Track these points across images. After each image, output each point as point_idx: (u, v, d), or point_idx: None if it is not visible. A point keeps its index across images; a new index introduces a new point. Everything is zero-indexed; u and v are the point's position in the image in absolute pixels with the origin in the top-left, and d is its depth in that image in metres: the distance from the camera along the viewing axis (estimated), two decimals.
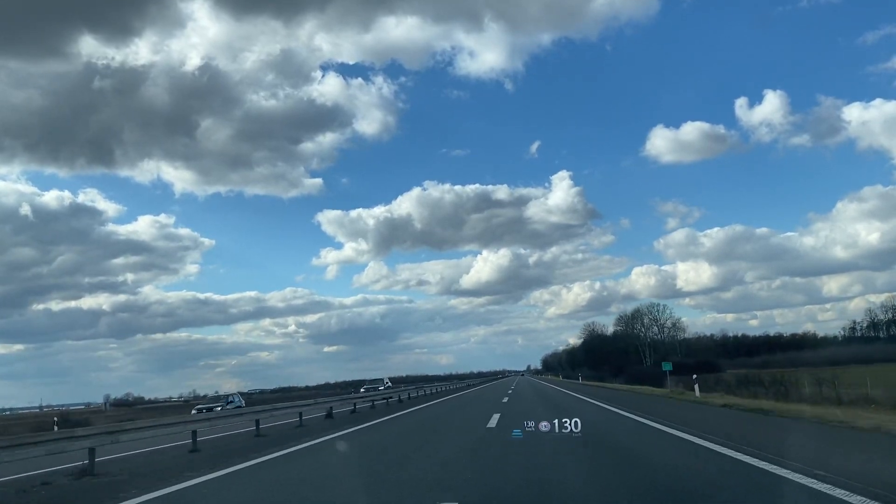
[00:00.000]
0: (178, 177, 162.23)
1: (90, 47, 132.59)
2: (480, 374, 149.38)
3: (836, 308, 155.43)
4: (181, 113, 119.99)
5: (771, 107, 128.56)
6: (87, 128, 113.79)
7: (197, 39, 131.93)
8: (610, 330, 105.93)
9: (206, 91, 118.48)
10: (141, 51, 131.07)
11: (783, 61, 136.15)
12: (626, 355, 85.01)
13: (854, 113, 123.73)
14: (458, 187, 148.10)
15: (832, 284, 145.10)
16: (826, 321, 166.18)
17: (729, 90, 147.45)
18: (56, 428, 25.12)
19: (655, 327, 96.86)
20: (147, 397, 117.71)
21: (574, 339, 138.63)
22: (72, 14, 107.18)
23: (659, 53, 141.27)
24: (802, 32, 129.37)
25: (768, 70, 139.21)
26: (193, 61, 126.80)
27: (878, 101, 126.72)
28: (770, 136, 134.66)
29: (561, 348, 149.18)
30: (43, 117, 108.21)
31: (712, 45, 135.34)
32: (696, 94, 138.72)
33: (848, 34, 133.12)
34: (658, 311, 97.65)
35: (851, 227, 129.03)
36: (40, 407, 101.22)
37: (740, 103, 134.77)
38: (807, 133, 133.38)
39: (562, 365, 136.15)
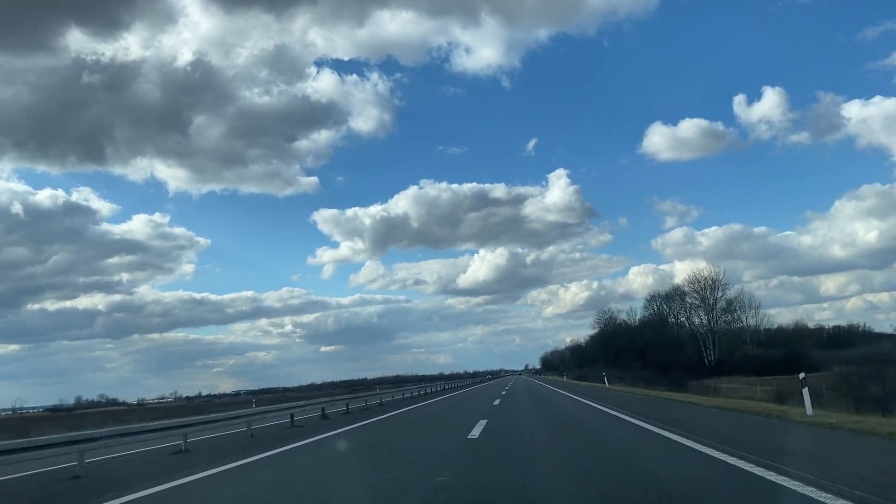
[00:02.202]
0: (172, 175, 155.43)
1: (78, 41, 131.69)
2: (475, 374, 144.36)
3: (833, 307, 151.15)
4: (173, 109, 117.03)
5: (770, 104, 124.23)
6: (77, 124, 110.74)
7: (188, 35, 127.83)
8: (638, 315, 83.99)
9: (198, 87, 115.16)
10: (131, 46, 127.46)
11: (782, 57, 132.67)
12: (679, 348, 62.13)
13: (854, 110, 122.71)
14: (454, 186, 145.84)
15: (830, 284, 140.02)
16: (824, 320, 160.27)
17: (727, 87, 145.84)
18: None
19: (702, 311, 69.39)
20: (121, 399, 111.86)
21: (572, 339, 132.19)
22: (57, 5, 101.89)
23: (657, 49, 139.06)
24: (801, 28, 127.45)
25: (767, 66, 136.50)
26: (185, 57, 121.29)
27: (877, 98, 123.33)
28: (769, 134, 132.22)
29: (564, 344, 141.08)
30: (32, 113, 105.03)
31: (711, 41, 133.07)
32: (695, 91, 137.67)
33: (847, 30, 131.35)
34: (712, 285, 69.72)
35: (850, 225, 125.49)
36: (13, 409, 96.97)
37: (739, 100, 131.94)
38: (806, 130, 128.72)
39: (565, 363, 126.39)
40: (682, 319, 72.32)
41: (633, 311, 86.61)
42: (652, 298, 79.23)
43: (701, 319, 69.51)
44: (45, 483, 10.42)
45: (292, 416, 20.17)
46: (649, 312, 77.65)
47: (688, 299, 71.58)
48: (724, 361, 55.39)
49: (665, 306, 75.10)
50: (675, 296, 74.14)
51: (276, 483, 8.70)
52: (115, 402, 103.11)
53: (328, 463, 10.66)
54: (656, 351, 61.68)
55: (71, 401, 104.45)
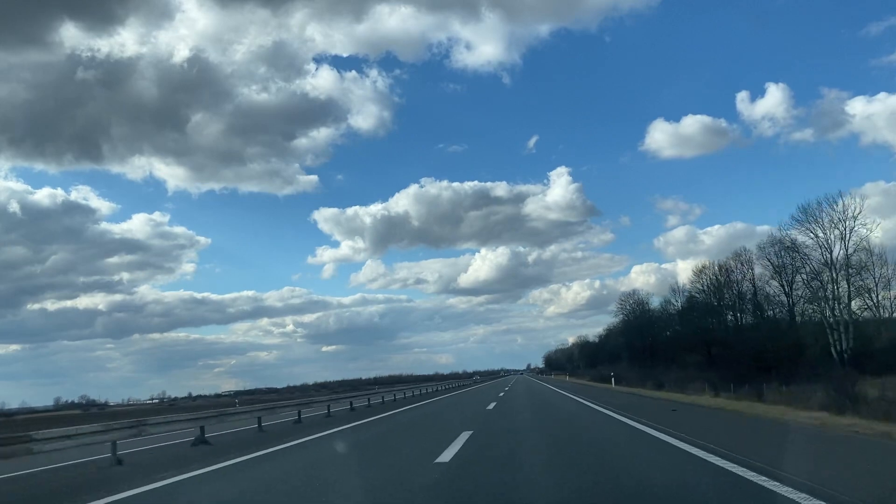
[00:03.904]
0: (171, 173, 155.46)
1: (73, 37, 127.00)
2: (474, 374, 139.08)
3: None
4: (171, 107, 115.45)
5: (773, 100, 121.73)
6: (74, 122, 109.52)
7: (185, 30, 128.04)
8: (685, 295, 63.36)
9: (195, 84, 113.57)
10: (127, 41, 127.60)
11: (785, 54, 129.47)
12: (779, 336, 43.29)
13: (858, 107, 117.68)
14: (455, 184, 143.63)
15: None
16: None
17: (730, 83, 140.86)
18: None
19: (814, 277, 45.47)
20: (104, 399, 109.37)
21: (576, 337, 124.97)
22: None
23: (659, 45, 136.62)
24: (805, 24, 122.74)
25: (770, 62, 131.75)
26: (182, 53, 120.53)
27: (882, 94, 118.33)
28: (772, 131, 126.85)
29: (567, 343, 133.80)
30: (27, 110, 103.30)
31: (713, 36, 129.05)
32: (697, 87, 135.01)
33: (851, 26, 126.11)
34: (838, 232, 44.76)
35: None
36: None
37: (742, 97, 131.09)
38: (809, 127, 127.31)
39: (573, 361, 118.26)
40: (760, 297, 50.16)
41: (678, 289, 64.66)
42: (700, 271, 57.61)
43: (824, 288, 45.09)
44: None
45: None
46: (699, 291, 57.40)
47: (769, 259, 47.74)
48: (865, 354, 38.90)
49: (721, 278, 53.34)
50: (734, 267, 51.22)
51: None
52: (93, 404, 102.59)
53: None
54: (733, 342, 45.94)
55: (68, 401, 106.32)
